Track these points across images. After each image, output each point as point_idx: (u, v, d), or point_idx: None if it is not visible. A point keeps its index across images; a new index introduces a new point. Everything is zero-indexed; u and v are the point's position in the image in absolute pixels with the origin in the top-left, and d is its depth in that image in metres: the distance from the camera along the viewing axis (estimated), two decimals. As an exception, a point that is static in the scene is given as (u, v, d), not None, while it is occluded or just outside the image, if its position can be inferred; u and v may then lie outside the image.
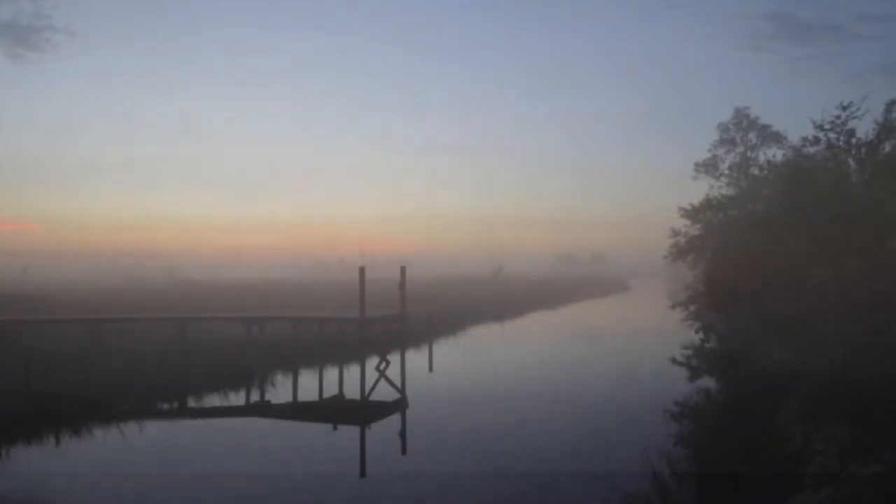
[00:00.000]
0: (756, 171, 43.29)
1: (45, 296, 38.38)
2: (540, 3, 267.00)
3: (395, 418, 17.68)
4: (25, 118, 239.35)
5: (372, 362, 24.10)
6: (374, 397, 19.85)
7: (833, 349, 12.62)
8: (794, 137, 37.33)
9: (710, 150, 47.32)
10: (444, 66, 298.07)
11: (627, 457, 11.36)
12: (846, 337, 12.87)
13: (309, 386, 21.80)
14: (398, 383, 21.50)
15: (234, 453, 14.29)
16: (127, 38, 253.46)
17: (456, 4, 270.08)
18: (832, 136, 18.45)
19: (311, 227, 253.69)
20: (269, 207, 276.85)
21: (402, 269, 26.98)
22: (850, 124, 18.06)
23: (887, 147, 18.40)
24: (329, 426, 17.23)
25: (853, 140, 18.17)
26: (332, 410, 18.95)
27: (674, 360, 25.10)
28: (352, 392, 20.53)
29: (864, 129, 18.30)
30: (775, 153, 41.48)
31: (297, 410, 18.88)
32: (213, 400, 19.32)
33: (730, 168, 46.66)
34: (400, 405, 18.92)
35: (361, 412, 18.48)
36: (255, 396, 20.35)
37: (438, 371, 25.50)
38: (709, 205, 44.20)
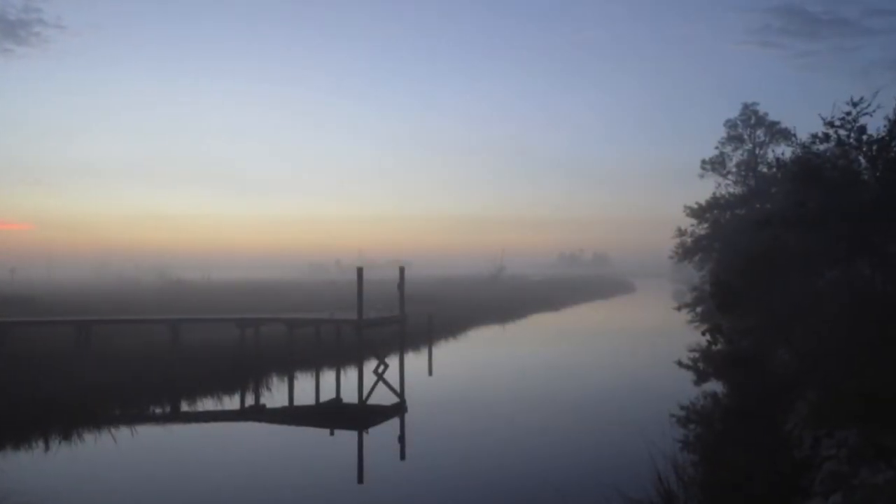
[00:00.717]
0: (764, 169, 43.28)
1: (35, 296, 38.37)
2: (543, 0, 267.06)
3: (393, 423, 17.69)
4: (15, 115, 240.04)
5: (370, 365, 24.09)
6: (372, 401, 19.86)
7: (843, 350, 12.62)
8: (803, 134, 37.52)
9: (717, 148, 47.33)
10: (445, 64, 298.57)
11: (632, 462, 11.36)
12: (857, 338, 12.87)
13: (305, 390, 21.81)
14: (397, 387, 21.50)
15: (229, 459, 14.30)
16: (119, 33, 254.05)
17: (457, 1, 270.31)
18: (842, 132, 18.40)
19: (308, 227, 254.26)
20: (264, 206, 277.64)
21: (401, 270, 26.98)
22: (861, 121, 18.02)
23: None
24: (326, 431, 17.23)
25: (864, 137, 18.13)
26: (329, 415, 18.97)
27: (680, 363, 25.14)
28: (349, 396, 20.53)
29: (875, 125, 18.30)
30: (784, 150, 41.42)
31: (293, 415, 18.89)
32: (207, 404, 19.33)
33: (737, 166, 46.65)
34: (399, 410, 18.93)
35: (359, 417, 18.48)
36: (249, 400, 20.36)
37: (438, 374, 25.51)
38: (716, 203, 44.22)
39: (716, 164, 47.02)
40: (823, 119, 18.63)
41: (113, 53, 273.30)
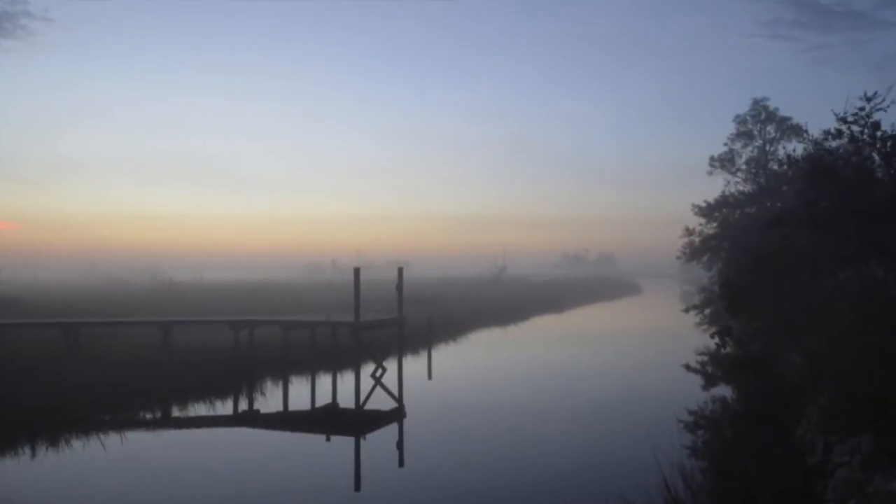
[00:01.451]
0: (775, 167, 43.29)
1: (21, 298, 38.37)
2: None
3: (391, 429, 17.70)
4: (1, 111, 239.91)
5: (367, 369, 24.09)
6: (369, 406, 19.86)
7: (856, 353, 12.62)
8: (815, 130, 37.40)
9: (726, 144, 47.37)
10: (445, 58, 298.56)
11: (638, 469, 11.37)
12: (869, 340, 12.87)
13: (300, 394, 21.82)
14: (395, 391, 21.51)
15: (221, 466, 14.30)
16: (108, 27, 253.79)
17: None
18: (855, 128, 18.39)
19: (304, 226, 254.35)
20: (259, 204, 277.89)
21: (400, 270, 26.98)
22: (875, 116, 17.99)
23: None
24: (322, 437, 17.24)
25: (878, 133, 18.12)
26: (326, 420, 18.98)
27: (688, 367, 25.15)
28: (346, 401, 20.54)
29: (890, 121, 18.27)
30: (795, 147, 41.44)
31: (288, 420, 18.90)
32: (199, 409, 19.33)
33: (747, 163, 46.68)
34: (397, 415, 18.94)
35: (356, 422, 18.48)
36: (243, 405, 20.36)
37: (438, 378, 25.52)
38: (725, 202, 44.26)
39: (725, 162, 47.04)
40: (836, 114, 18.62)
41: (102, 47, 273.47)
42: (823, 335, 15.69)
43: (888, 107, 17.94)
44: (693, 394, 19.93)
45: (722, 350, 22.31)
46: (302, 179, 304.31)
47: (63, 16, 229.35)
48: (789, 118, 45.10)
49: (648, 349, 33.71)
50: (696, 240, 44.43)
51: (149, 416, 18.51)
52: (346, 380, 23.41)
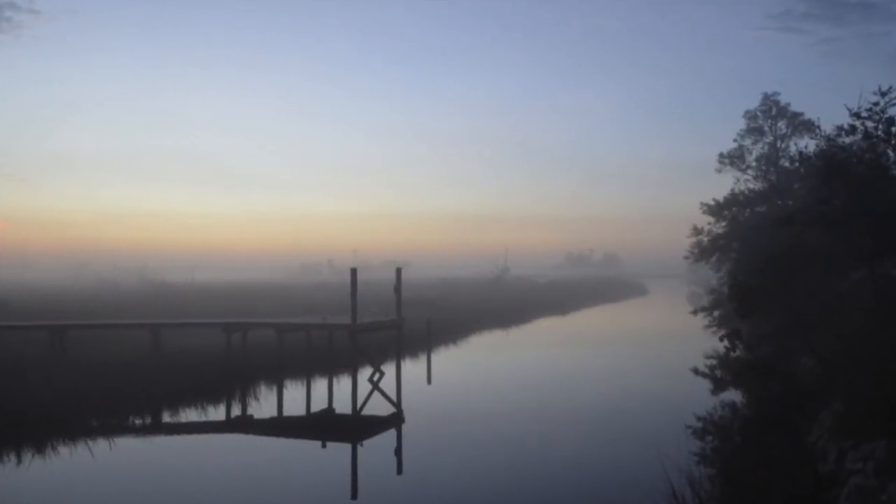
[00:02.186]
0: (786, 164, 43.27)
1: (6, 299, 38.36)
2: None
3: (389, 435, 17.70)
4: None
5: (365, 373, 24.10)
6: (366, 411, 19.86)
7: (870, 357, 12.60)
8: (827, 126, 37.40)
9: (735, 141, 47.27)
10: (444, 52, 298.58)
11: (645, 477, 11.35)
12: (885, 343, 12.84)
13: (295, 399, 21.82)
14: (393, 396, 21.51)
15: (213, 473, 14.30)
16: (97, 19, 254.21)
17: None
18: (869, 124, 18.38)
19: (299, 225, 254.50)
20: (253, 203, 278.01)
21: (398, 271, 26.99)
22: (890, 111, 17.99)
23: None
24: (318, 443, 17.24)
25: (893, 129, 18.11)
26: (321, 426, 18.98)
27: (696, 371, 25.15)
28: (342, 406, 20.53)
29: (905, 115, 18.27)
30: (807, 143, 41.44)
31: (283, 426, 18.90)
32: (191, 414, 19.33)
33: (757, 160, 46.62)
34: (395, 420, 18.94)
35: (353, 428, 18.49)
36: (236, 411, 20.36)
37: (438, 383, 25.52)
38: (734, 200, 44.21)
39: (734, 159, 46.99)
40: (849, 110, 18.60)
41: (91, 41, 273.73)
42: (836, 337, 15.67)
43: (903, 101, 17.93)
44: (701, 399, 19.93)
45: (731, 353, 22.27)
46: (297, 177, 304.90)
47: (50, 7, 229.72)
48: (801, 113, 45.05)
49: (655, 353, 33.71)
50: (705, 239, 44.38)
51: (138, 421, 18.50)
52: (343, 384, 23.40)
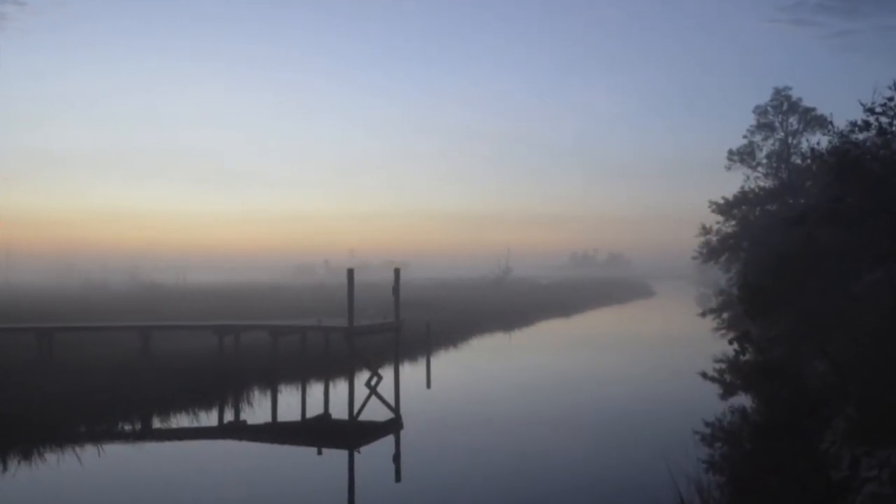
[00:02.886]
0: (798, 161, 43.28)
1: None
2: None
3: (387, 441, 17.69)
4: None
5: (362, 377, 24.10)
6: (364, 417, 19.86)
7: (885, 361, 12.60)
8: (840, 122, 37.46)
9: (745, 137, 47.30)
10: (444, 46, 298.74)
11: (652, 485, 11.35)
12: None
13: (290, 404, 21.81)
14: (392, 401, 21.51)
15: (206, 481, 14.31)
16: (86, 11, 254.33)
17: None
18: (884, 120, 18.39)
19: (294, 224, 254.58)
20: (247, 202, 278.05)
21: (397, 272, 27.00)
22: (905, 106, 18.03)
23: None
24: (313, 450, 17.23)
25: (908, 125, 18.16)
26: (317, 432, 18.96)
27: (705, 375, 25.14)
28: (339, 411, 20.52)
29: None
30: (820, 140, 41.43)
31: (277, 432, 18.90)
32: (182, 420, 19.32)
33: (768, 157, 46.64)
34: (394, 426, 18.93)
35: (350, 434, 18.48)
36: (228, 416, 20.36)
37: (437, 387, 25.51)
38: (744, 198, 44.25)
39: (744, 155, 47.00)
40: (863, 105, 18.62)
41: (80, 33, 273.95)
42: (850, 340, 15.67)
43: (920, 96, 17.93)
44: (710, 404, 19.91)
45: (741, 357, 22.28)
46: (293, 174, 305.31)
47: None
48: (813, 109, 45.05)
49: (662, 356, 33.70)
50: (714, 239, 44.41)
51: (128, 427, 18.50)
52: (339, 389, 23.40)
